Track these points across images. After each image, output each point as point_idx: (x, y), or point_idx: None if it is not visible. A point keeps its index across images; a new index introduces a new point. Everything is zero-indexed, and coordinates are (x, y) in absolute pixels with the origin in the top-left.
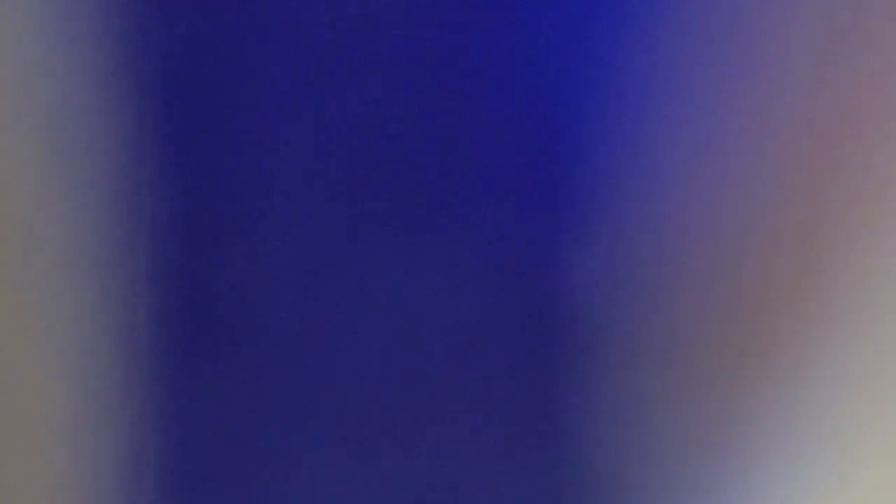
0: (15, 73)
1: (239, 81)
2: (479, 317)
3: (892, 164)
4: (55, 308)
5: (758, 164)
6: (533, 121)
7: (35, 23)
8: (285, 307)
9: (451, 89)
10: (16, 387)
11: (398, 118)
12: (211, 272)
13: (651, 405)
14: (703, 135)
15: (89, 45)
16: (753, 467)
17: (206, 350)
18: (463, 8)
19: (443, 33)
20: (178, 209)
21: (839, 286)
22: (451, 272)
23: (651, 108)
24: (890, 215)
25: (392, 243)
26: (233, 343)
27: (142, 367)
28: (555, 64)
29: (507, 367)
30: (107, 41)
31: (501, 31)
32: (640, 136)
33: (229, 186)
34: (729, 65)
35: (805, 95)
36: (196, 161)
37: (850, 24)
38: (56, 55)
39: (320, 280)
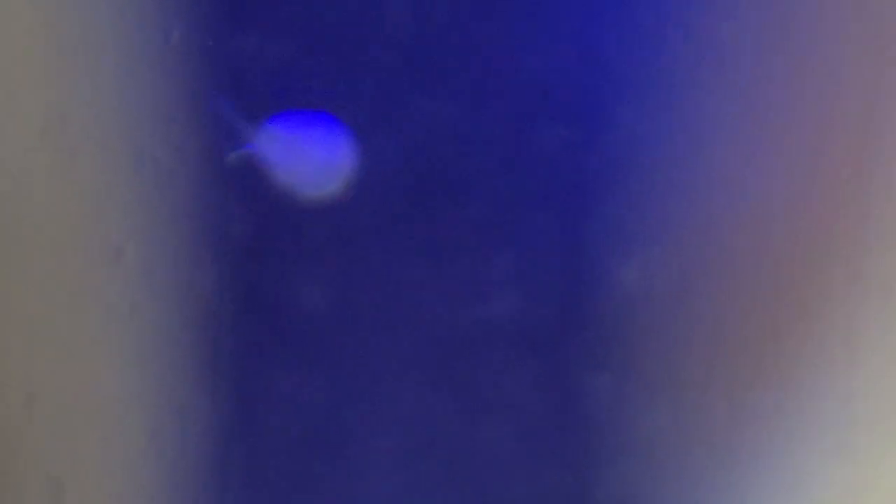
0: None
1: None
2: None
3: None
4: (139, 317)
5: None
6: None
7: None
8: (356, 312)
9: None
10: (100, 395)
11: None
12: (287, 280)
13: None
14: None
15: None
16: (761, 466)
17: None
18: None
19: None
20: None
21: (844, 294)
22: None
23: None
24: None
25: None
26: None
27: (221, 372)
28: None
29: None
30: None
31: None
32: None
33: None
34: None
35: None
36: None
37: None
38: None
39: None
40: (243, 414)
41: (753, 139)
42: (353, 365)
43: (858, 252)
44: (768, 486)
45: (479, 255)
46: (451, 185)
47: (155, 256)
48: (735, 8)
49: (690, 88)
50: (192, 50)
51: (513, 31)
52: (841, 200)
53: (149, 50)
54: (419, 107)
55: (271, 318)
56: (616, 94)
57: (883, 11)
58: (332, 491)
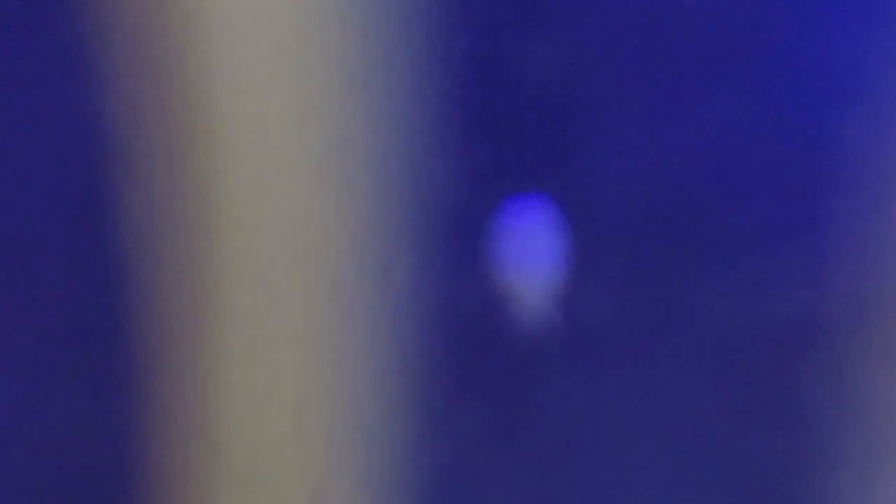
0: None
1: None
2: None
3: None
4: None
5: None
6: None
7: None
8: None
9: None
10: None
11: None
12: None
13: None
14: None
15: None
16: None
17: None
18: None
19: None
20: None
21: None
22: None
23: None
24: None
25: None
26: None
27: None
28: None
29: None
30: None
31: None
32: None
33: None
34: None
35: None
36: None
37: None
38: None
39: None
40: (507, 419)
41: None
42: (632, 367)
43: None
44: None
45: (759, 252)
46: (729, 184)
47: (421, 274)
48: None
49: None
50: (475, 61)
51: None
52: None
53: (432, 64)
54: (697, 110)
55: (546, 324)
56: None
57: None
58: (600, 492)
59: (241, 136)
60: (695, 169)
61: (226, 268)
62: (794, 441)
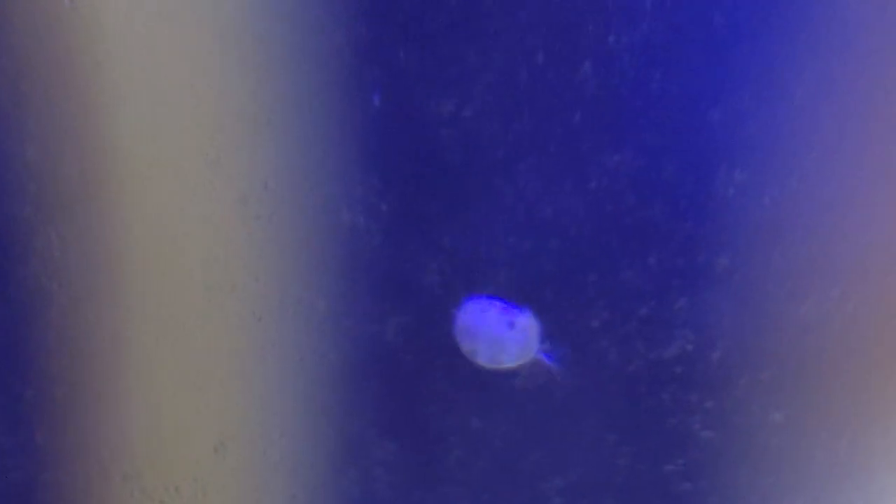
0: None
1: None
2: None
3: None
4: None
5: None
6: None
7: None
8: None
9: None
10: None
11: None
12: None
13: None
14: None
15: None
16: None
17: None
18: None
19: None
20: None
21: None
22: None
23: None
24: None
25: None
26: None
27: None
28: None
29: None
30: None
31: None
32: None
33: None
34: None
35: None
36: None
37: None
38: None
39: None
40: (427, 454)
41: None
42: (540, 405)
43: None
44: None
45: (655, 299)
46: (629, 232)
47: (343, 308)
48: None
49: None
50: (393, 113)
51: (689, 84)
52: None
53: (350, 115)
54: (601, 160)
55: (455, 364)
56: (790, 134)
57: None
58: None
59: (155, 180)
60: (592, 223)
61: (146, 302)
62: (688, 480)
